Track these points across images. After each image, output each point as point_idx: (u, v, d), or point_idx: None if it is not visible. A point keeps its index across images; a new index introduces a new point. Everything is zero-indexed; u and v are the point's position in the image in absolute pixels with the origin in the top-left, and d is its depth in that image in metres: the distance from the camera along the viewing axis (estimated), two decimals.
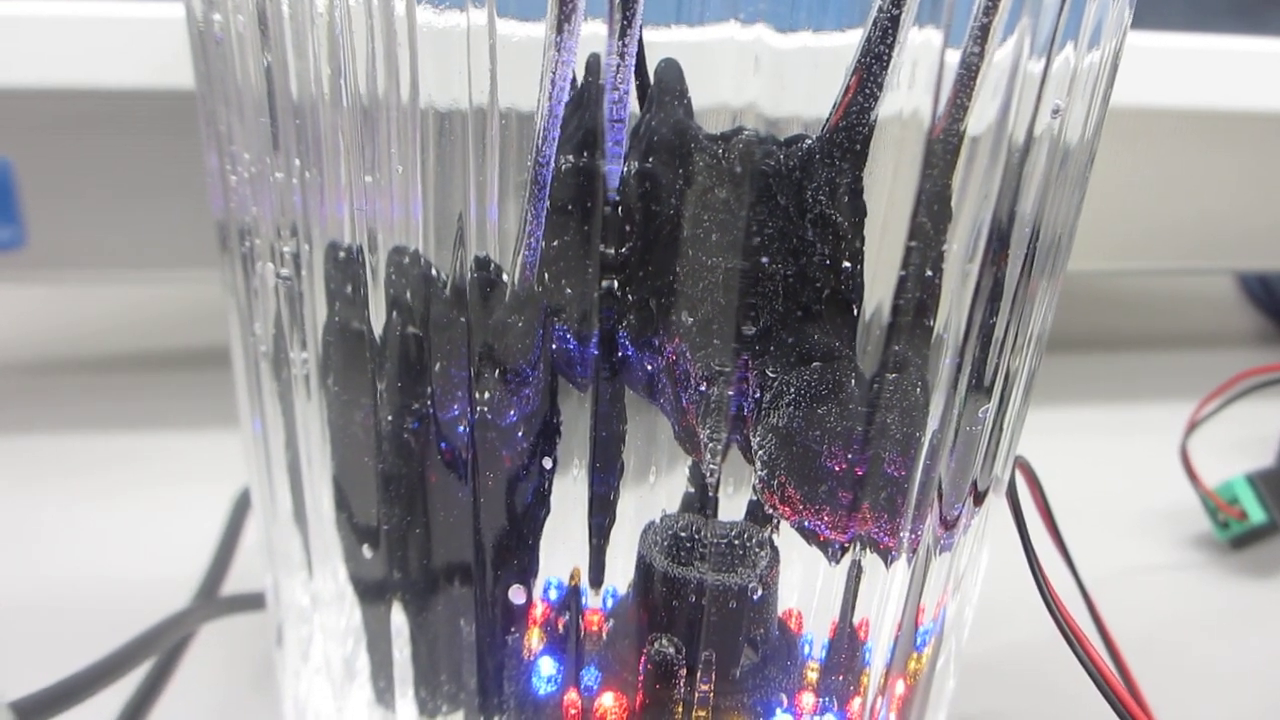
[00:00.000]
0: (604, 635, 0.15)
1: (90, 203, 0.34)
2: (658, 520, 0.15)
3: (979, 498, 0.16)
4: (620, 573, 0.15)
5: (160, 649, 0.20)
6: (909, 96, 0.13)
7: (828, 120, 0.13)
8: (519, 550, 0.15)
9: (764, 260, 0.13)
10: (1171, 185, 0.40)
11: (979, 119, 0.13)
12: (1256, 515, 0.29)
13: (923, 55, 0.13)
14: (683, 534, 0.15)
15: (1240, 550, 0.31)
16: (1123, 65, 0.15)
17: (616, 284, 0.13)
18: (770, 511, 0.15)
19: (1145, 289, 0.58)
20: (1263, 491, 0.29)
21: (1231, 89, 0.38)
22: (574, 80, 0.13)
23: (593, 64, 0.12)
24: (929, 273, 0.13)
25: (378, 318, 0.14)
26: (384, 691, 0.17)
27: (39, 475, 0.32)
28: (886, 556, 0.15)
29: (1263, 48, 0.38)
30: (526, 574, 0.15)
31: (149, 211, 0.34)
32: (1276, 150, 0.40)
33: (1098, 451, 0.37)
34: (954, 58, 0.13)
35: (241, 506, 0.25)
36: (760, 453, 0.14)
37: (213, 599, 0.23)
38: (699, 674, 0.15)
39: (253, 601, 0.21)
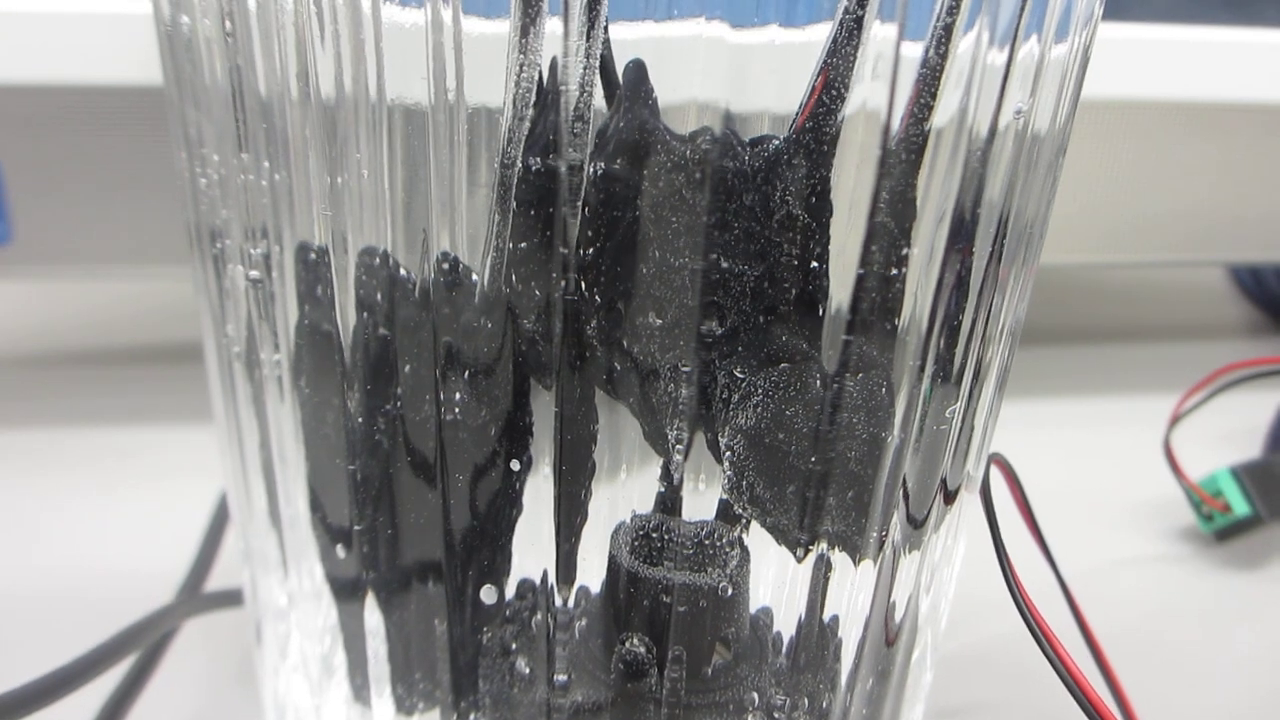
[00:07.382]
0: (575, 634, 0.15)
1: (77, 198, 0.34)
2: (628, 520, 0.15)
3: (949, 496, 0.16)
4: (594, 572, 0.15)
5: (142, 645, 0.20)
6: (873, 90, 0.13)
7: (794, 120, 0.13)
8: (490, 550, 0.15)
9: (730, 261, 0.13)
10: (1161, 178, 0.40)
11: (941, 111, 0.13)
12: (1241, 508, 0.29)
13: (885, 51, 0.13)
14: (653, 534, 0.15)
15: (1225, 543, 0.31)
16: (1112, 57, 0.15)
17: (583, 285, 0.13)
18: (740, 511, 0.15)
19: (1136, 281, 0.58)
20: (1247, 484, 0.29)
21: (1222, 80, 0.38)
22: (540, 80, 0.13)
23: (557, 65, 0.12)
24: (893, 271, 0.13)
25: (347, 319, 0.14)
26: (361, 689, 0.17)
27: (24, 469, 0.32)
28: (854, 554, 0.15)
29: (1252, 39, 0.38)
30: (498, 573, 0.15)
31: (136, 207, 0.34)
32: (1267, 142, 0.40)
33: (1082, 445, 0.37)
34: (911, 51, 0.12)
35: (226, 503, 0.25)
36: (729, 454, 0.14)
37: (196, 595, 0.23)
38: (669, 672, 0.15)
39: (236, 598, 0.21)
